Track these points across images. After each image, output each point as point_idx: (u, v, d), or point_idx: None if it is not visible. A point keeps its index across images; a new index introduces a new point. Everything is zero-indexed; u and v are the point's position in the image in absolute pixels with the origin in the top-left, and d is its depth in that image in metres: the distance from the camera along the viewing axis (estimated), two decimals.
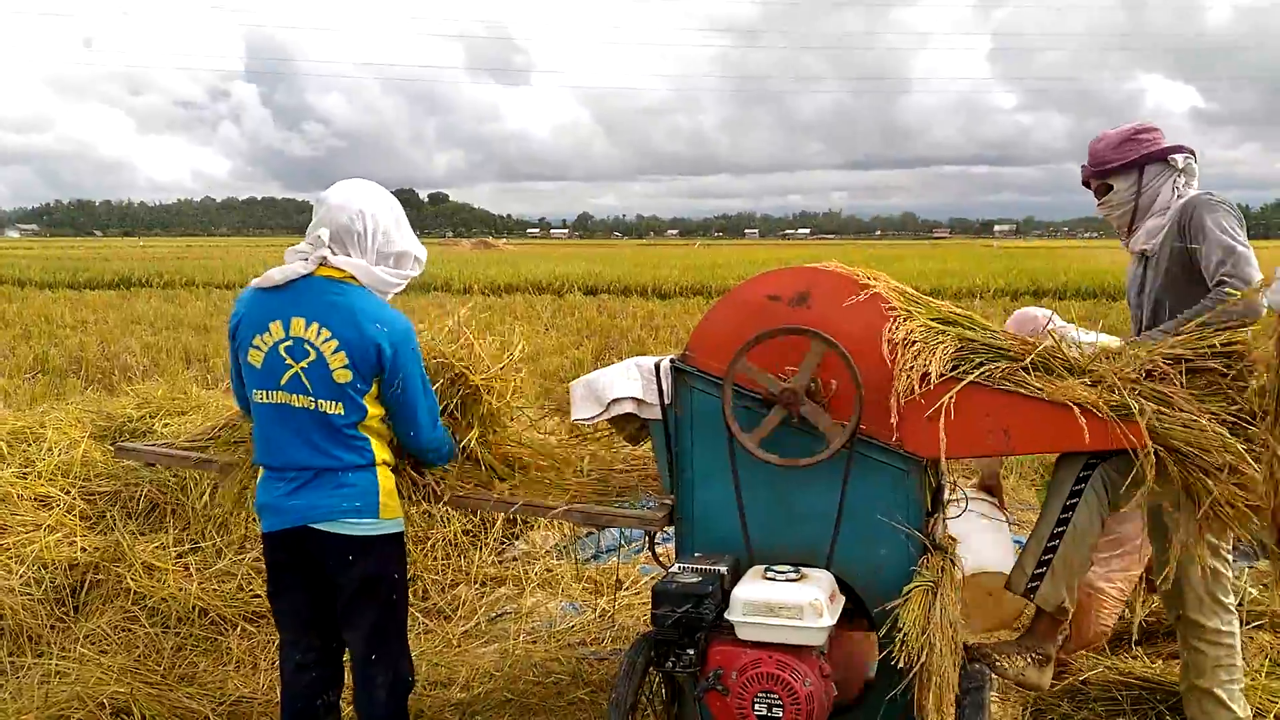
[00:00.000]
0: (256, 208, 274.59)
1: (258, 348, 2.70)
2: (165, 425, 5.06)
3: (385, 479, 2.78)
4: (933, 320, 2.72)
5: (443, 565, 4.93)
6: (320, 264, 2.71)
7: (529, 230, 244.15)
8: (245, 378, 2.78)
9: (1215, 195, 3.10)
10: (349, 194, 2.76)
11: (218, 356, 12.00)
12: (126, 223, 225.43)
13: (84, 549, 4.42)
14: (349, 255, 2.74)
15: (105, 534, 4.55)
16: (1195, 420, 2.51)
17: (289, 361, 2.67)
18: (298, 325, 2.67)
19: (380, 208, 2.78)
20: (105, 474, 4.91)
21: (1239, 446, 2.50)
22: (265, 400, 2.72)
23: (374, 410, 2.74)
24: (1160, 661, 3.69)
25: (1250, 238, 3.13)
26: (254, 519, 4.71)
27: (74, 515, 4.61)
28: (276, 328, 2.68)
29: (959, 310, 2.77)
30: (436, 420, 2.89)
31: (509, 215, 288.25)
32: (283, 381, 2.68)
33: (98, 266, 32.02)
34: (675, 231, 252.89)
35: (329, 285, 2.70)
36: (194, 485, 4.78)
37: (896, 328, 2.66)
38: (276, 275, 2.71)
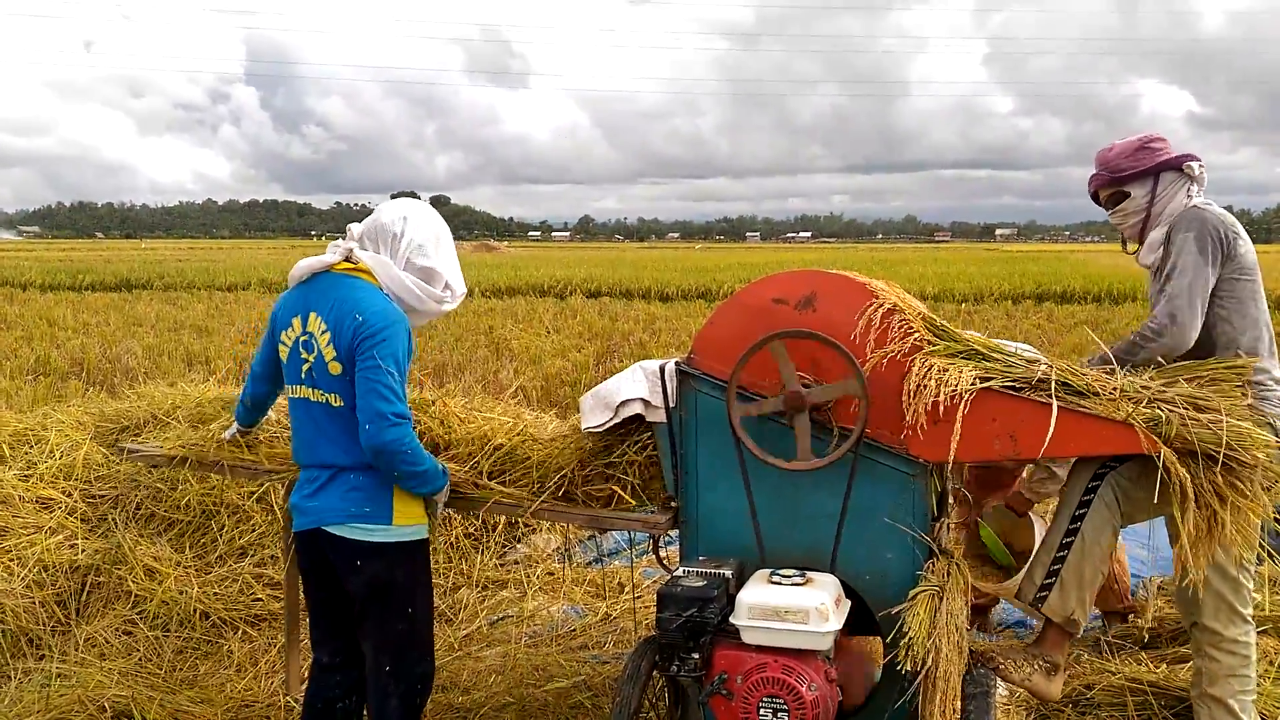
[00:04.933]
0: (258, 210, 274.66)
1: (284, 343, 2.77)
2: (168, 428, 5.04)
3: None
4: (952, 355, 2.70)
5: (444, 568, 4.92)
6: (346, 257, 2.76)
7: (530, 233, 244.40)
8: (283, 373, 2.84)
9: (1203, 209, 3.09)
10: (401, 202, 2.89)
11: (219, 359, 11.99)
12: (128, 225, 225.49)
13: (85, 552, 4.41)
14: (378, 253, 2.78)
15: (106, 537, 4.54)
16: (1219, 419, 2.49)
17: (304, 356, 2.72)
18: (312, 320, 2.72)
19: (424, 221, 2.85)
20: (107, 476, 4.90)
21: (1268, 437, 2.49)
22: (293, 395, 2.79)
23: None
24: (1165, 666, 3.67)
25: (1253, 242, 3.12)
26: (243, 522, 4.72)
27: (75, 518, 4.60)
28: (297, 323, 2.74)
29: (978, 341, 2.76)
30: (387, 427, 2.60)
31: (510, 218, 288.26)
32: (301, 376, 2.74)
33: (99, 268, 32.06)
34: (677, 234, 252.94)
35: (340, 279, 2.74)
36: (193, 488, 4.77)
37: (913, 364, 2.64)
38: (305, 266, 2.77)
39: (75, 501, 4.68)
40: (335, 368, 2.67)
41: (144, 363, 11.81)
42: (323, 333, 2.68)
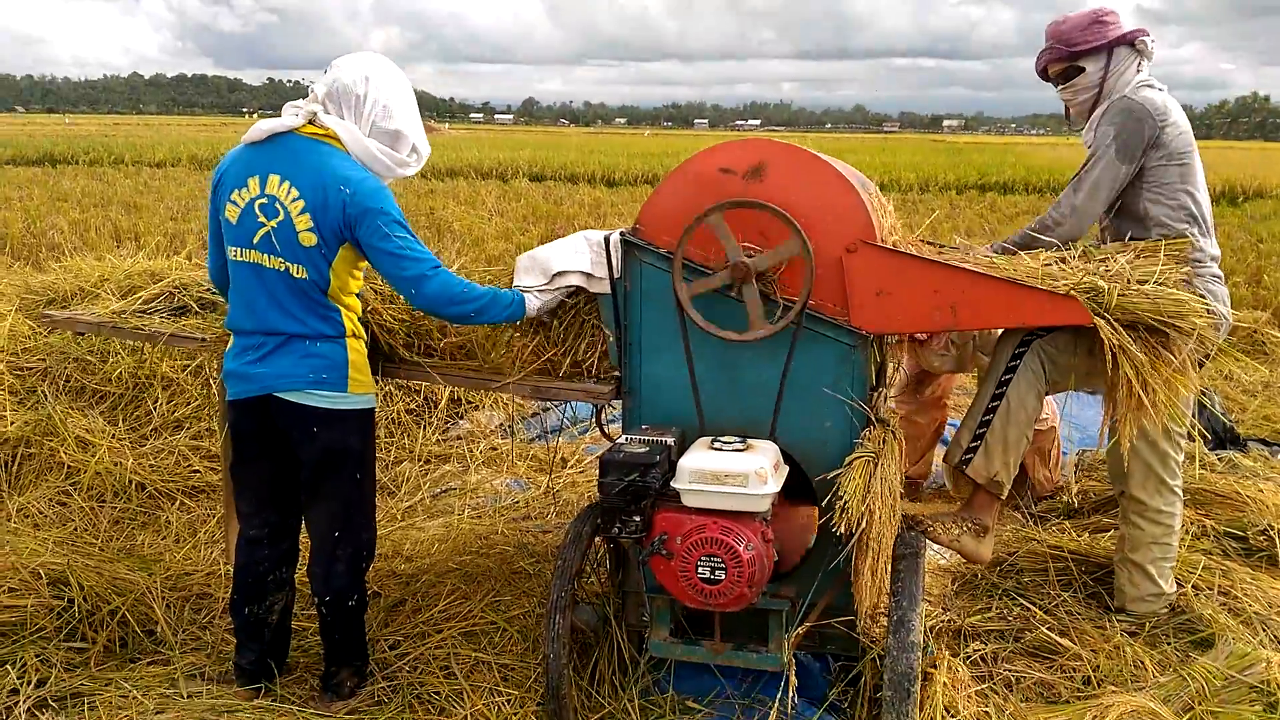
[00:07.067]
0: (187, 85, 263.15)
1: (235, 203, 2.63)
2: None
3: (354, 352, 2.72)
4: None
5: (385, 443, 4.91)
6: (309, 121, 2.63)
7: (472, 115, 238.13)
8: (224, 234, 2.70)
9: (1130, 98, 3.08)
10: (361, 59, 2.74)
11: (149, 234, 11.63)
12: (50, 99, 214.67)
13: (14, 424, 4.31)
14: (342, 118, 2.66)
15: (36, 409, 4.43)
16: (1158, 290, 2.54)
17: (262, 219, 2.60)
18: (273, 183, 2.59)
19: (388, 80, 2.73)
20: (34, 349, 4.77)
21: (1204, 305, 2.55)
22: (239, 259, 2.66)
23: (340, 280, 2.65)
24: (1087, 535, 3.82)
25: (1196, 138, 3.13)
26: (177, 395, 4.63)
27: (3, 389, 4.48)
28: (254, 184, 2.60)
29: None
30: (429, 275, 2.65)
31: (451, 98, 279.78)
32: (255, 240, 2.61)
33: (20, 142, 30.62)
34: (624, 120, 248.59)
35: (309, 144, 2.62)
36: (124, 360, 4.67)
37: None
38: (264, 127, 2.63)
39: (2, 373, 4.55)
40: (309, 239, 2.57)
41: (70, 238, 11.41)
42: (294, 200, 2.56)
